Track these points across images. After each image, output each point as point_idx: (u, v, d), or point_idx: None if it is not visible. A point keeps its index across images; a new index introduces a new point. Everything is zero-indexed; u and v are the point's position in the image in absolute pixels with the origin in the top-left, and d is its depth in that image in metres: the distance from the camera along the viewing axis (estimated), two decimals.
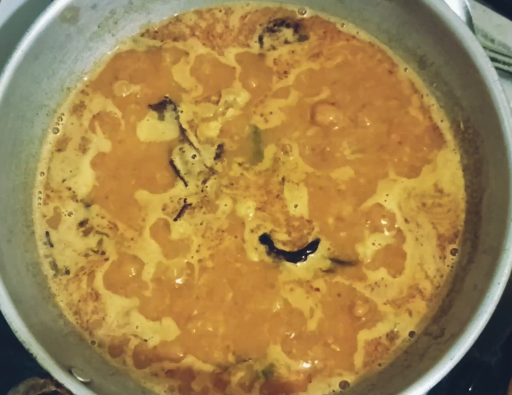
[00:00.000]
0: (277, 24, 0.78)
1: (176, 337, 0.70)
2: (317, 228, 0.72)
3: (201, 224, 0.72)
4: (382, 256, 0.71)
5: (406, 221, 0.72)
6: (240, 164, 0.74)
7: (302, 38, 0.77)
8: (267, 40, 0.77)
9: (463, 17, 0.79)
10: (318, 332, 0.70)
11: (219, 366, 0.69)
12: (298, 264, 0.71)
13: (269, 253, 0.71)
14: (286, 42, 0.77)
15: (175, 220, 0.72)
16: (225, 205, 0.73)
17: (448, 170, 0.73)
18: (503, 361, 0.75)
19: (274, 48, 0.77)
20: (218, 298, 0.71)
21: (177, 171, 0.74)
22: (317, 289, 0.70)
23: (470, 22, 0.79)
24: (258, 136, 0.74)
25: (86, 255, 0.73)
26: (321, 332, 0.70)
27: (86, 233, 0.73)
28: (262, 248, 0.71)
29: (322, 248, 0.71)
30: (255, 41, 0.78)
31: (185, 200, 0.73)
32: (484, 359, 0.75)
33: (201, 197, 0.73)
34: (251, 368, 0.69)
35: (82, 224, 0.73)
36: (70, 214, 0.74)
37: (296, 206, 0.72)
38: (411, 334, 0.70)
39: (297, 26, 0.78)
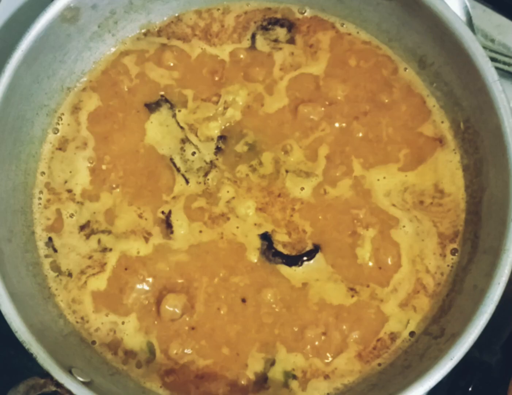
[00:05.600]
0: (271, 23, 0.78)
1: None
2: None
3: (200, 231, 0.73)
4: (379, 250, 0.71)
5: (394, 205, 0.72)
6: (250, 165, 0.74)
7: (292, 41, 0.78)
8: (259, 38, 0.77)
9: (463, 17, 0.79)
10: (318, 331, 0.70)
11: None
12: (294, 267, 0.71)
13: (264, 252, 0.71)
14: (276, 41, 0.77)
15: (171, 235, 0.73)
16: (227, 192, 0.73)
17: (448, 170, 0.73)
18: (503, 361, 0.75)
19: (274, 48, 0.77)
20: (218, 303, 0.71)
21: (177, 169, 0.74)
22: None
23: (470, 22, 0.79)
24: (255, 142, 0.74)
25: (90, 257, 0.73)
26: (321, 331, 0.70)
27: (88, 236, 0.73)
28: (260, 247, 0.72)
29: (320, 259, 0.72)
30: (248, 39, 0.78)
31: (165, 212, 0.73)
32: (484, 359, 0.75)
33: (203, 189, 0.73)
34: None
35: (83, 227, 0.73)
36: (71, 216, 0.74)
37: (302, 189, 0.73)
38: (411, 334, 0.69)
39: (291, 26, 0.78)
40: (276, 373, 0.69)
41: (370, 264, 0.71)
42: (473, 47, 0.67)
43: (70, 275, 0.72)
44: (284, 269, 0.71)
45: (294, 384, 0.69)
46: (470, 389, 0.73)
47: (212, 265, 0.71)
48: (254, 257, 0.71)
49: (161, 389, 0.69)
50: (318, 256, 0.71)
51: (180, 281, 0.71)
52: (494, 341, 0.75)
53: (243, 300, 0.70)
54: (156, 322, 0.70)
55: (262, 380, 0.69)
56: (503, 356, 0.76)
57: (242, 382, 0.68)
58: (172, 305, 0.69)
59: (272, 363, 0.69)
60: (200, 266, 0.71)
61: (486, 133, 0.69)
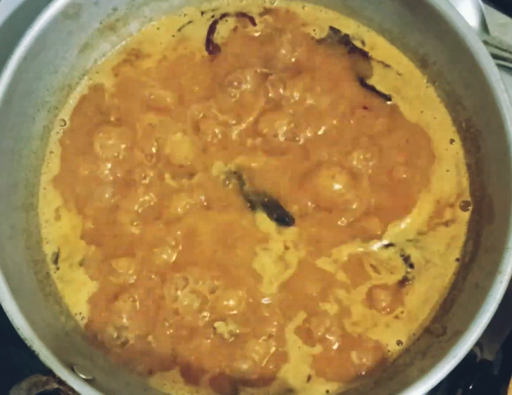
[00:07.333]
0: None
1: None
2: None
3: None
4: None
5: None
6: None
7: None
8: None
9: (476, 17, 0.79)
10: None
11: None
12: None
13: None
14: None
15: None
16: None
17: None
18: (503, 360, 0.76)
19: None
20: None
21: None
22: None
23: (483, 22, 0.79)
24: None
25: None
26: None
27: None
28: None
29: None
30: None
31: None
32: (484, 358, 0.75)
33: None
34: None
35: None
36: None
37: None
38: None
39: None
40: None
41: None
42: (476, 47, 0.67)
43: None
44: None
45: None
46: (470, 387, 0.73)
47: None
48: None
49: (163, 387, 0.69)
50: None
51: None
52: (494, 339, 0.75)
53: None
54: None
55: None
56: (503, 356, 0.76)
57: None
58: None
59: None
60: None
61: (488, 132, 0.69)
